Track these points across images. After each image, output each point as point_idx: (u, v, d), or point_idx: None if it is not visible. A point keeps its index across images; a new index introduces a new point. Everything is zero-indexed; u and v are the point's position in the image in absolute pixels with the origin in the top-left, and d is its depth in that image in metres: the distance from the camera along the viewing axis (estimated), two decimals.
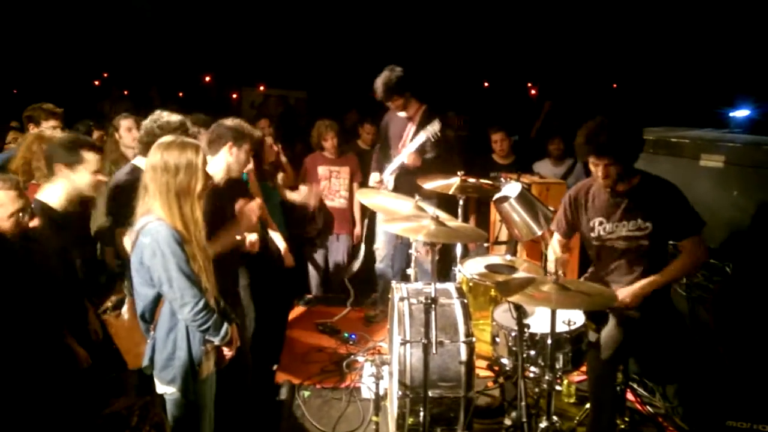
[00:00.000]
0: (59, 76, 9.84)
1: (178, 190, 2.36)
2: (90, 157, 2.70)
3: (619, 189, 2.87)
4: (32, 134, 3.37)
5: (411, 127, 4.42)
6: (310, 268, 5.19)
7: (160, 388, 2.50)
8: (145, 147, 2.98)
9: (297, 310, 4.96)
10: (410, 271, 3.81)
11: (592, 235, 2.99)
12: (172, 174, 2.36)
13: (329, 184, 5.09)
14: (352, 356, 4.00)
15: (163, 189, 2.35)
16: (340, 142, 5.13)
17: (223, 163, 3.05)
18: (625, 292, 2.83)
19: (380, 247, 4.67)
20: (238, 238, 2.99)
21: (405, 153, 4.30)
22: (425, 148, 4.30)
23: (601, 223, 2.96)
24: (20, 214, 2.33)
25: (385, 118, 4.69)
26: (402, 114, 4.47)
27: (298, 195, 4.61)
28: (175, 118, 3.05)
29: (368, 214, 4.92)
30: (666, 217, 2.82)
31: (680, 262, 2.86)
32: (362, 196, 3.69)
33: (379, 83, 4.31)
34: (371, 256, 4.83)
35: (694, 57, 8.51)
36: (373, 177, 4.65)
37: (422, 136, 4.19)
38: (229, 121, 3.11)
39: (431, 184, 3.88)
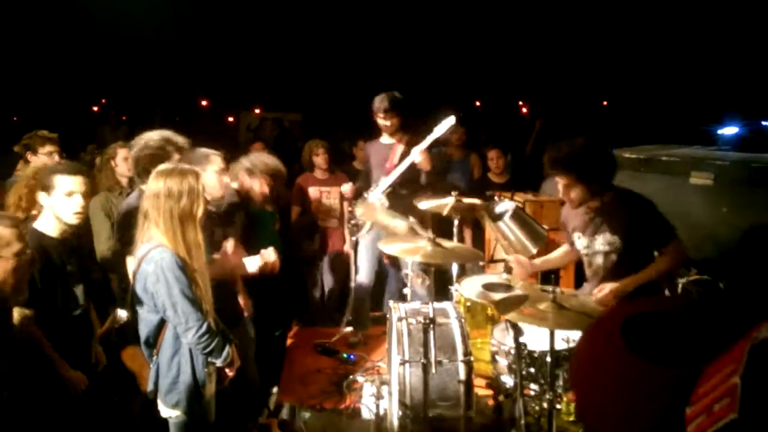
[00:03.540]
0: (58, 102, 9.93)
1: (182, 214, 2.44)
2: (61, 181, 2.61)
3: (591, 206, 2.99)
4: (34, 166, 3.42)
5: (398, 147, 4.42)
6: (309, 287, 5.23)
7: (165, 411, 2.53)
8: (141, 173, 3.05)
9: (295, 330, 4.97)
10: (407, 291, 3.84)
11: (576, 247, 3.12)
12: (175, 200, 2.43)
13: (320, 205, 5.15)
14: (352, 377, 4.01)
15: (167, 215, 2.42)
16: (331, 159, 5.19)
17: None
18: (607, 288, 2.87)
19: (363, 264, 4.67)
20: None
21: (415, 152, 4.13)
22: (432, 149, 4.24)
23: (579, 237, 3.11)
24: (22, 255, 2.20)
25: (366, 149, 4.71)
26: (385, 141, 4.49)
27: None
28: (154, 135, 3.11)
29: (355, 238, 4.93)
30: (636, 231, 2.90)
31: (660, 263, 2.94)
32: (362, 214, 3.73)
33: (383, 97, 4.32)
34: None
35: (683, 75, 8.69)
36: (346, 186, 4.70)
37: (435, 133, 4.10)
38: (198, 149, 3.21)
39: (426, 204, 3.93)
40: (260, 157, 3.92)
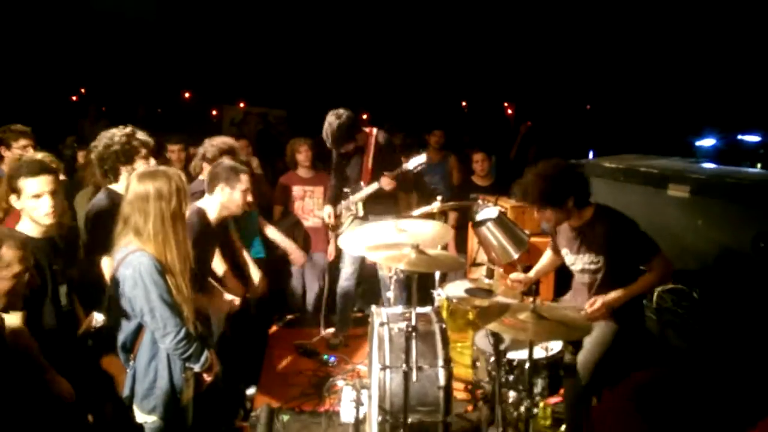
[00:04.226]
0: (35, 90, 9.73)
1: (172, 215, 2.43)
2: (27, 184, 2.52)
3: (573, 224, 3.06)
4: (14, 161, 3.34)
5: (369, 153, 4.51)
6: (289, 287, 5.21)
7: (140, 417, 2.51)
8: (108, 171, 3.03)
9: (275, 331, 4.96)
10: (389, 294, 3.86)
11: (565, 262, 3.16)
12: (166, 200, 2.42)
13: (303, 204, 5.14)
14: (332, 379, 4.01)
15: (158, 218, 2.40)
16: (315, 157, 5.18)
17: (217, 203, 3.18)
18: (599, 302, 2.92)
19: (346, 265, 4.72)
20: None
21: (383, 180, 4.36)
22: (400, 175, 4.39)
23: (566, 254, 3.17)
24: (22, 277, 2.15)
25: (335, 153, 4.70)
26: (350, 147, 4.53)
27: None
28: (117, 132, 3.07)
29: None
30: (617, 249, 2.96)
31: (646, 278, 2.98)
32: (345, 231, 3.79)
33: (330, 133, 4.31)
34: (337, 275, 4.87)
35: (665, 84, 8.83)
36: (327, 210, 4.72)
37: (405, 167, 4.31)
38: (226, 161, 3.25)
39: (415, 213, 3.98)
40: (211, 142, 3.94)
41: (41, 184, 2.53)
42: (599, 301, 2.93)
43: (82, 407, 2.62)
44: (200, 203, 3.23)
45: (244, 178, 3.18)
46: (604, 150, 4.76)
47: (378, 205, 4.46)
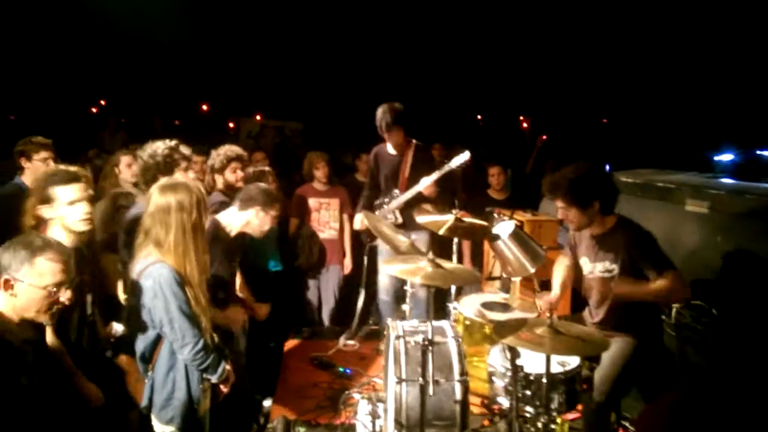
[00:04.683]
0: (57, 103, 9.93)
1: (193, 227, 2.48)
2: (61, 192, 2.59)
3: (594, 232, 3.06)
4: (41, 172, 3.40)
5: (408, 158, 4.50)
6: (305, 300, 5.23)
7: (158, 427, 2.53)
8: (149, 181, 3.08)
9: (291, 343, 4.97)
10: (405, 307, 3.86)
11: (583, 271, 3.17)
12: (188, 213, 2.47)
13: (319, 216, 5.17)
14: (348, 392, 4.01)
15: (179, 230, 2.45)
16: (331, 172, 5.23)
17: (244, 220, 3.29)
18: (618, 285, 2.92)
19: (384, 279, 4.71)
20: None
21: (423, 183, 4.28)
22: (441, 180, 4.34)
23: (585, 262, 3.17)
24: (56, 289, 2.12)
25: (373, 158, 4.73)
26: (392, 151, 4.56)
27: None
28: (160, 145, 3.17)
29: (367, 247, 4.95)
30: (631, 260, 2.94)
31: (658, 284, 2.88)
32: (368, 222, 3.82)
33: (384, 112, 4.37)
34: (369, 288, 4.86)
35: (683, 99, 8.77)
36: (359, 218, 4.68)
37: (448, 167, 4.24)
38: (262, 185, 3.41)
39: (424, 219, 3.95)
40: (216, 152, 4.02)
41: (76, 191, 2.61)
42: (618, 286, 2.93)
43: (109, 414, 2.65)
44: (222, 217, 3.29)
45: (278, 206, 3.33)
46: (621, 164, 4.74)
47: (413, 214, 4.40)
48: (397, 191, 4.55)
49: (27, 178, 3.81)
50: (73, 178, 2.65)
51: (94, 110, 11.66)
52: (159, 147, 3.18)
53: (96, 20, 8.94)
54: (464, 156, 4.19)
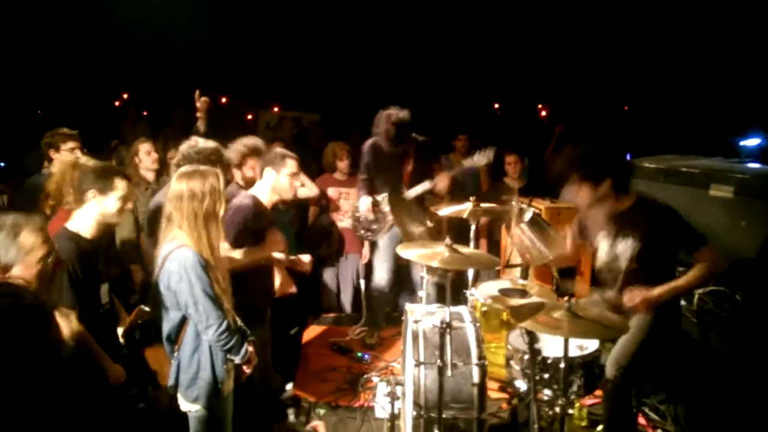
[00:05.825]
0: (81, 97, 10.11)
1: (206, 215, 2.50)
2: (121, 185, 2.79)
3: (612, 211, 3.01)
4: (67, 161, 3.50)
5: (410, 157, 4.55)
6: (324, 287, 5.29)
7: (185, 405, 2.60)
8: None
9: (311, 329, 5.04)
10: (422, 294, 3.89)
11: (598, 253, 3.13)
12: (198, 200, 2.50)
13: (339, 205, 5.21)
14: (366, 376, 4.06)
15: (191, 216, 2.49)
16: (352, 162, 5.26)
17: (268, 187, 3.27)
18: (637, 295, 2.83)
19: (378, 264, 4.76)
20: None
21: (441, 178, 4.41)
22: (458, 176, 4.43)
23: (603, 245, 3.11)
24: (47, 259, 2.19)
25: (370, 151, 4.66)
26: (386, 146, 4.53)
27: None
28: (211, 144, 3.24)
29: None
30: (655, 237, 2.89)
31: (693, 273, 2.86)
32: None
33: (388, 123, 4.36)
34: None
35: (706, 84, 8.59)
36: (366, 201, 4.66)
37: (471, 161, 4.31)
38: (278, 148, 3.37)
39: (444, 211, 3.98)
40: (233, 147, 4.05)
41: (129, 188, 2.81)
42: (637, 296, 2.85)
43: (132, 394, 2.73)
44: (252, 190, 3.33)
45: (290, 163, 3.25)
46: (643, 152, 4.67)
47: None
48: (403, 187, 4.56)
49: (55, 169, 3.90)
50: (126, 176, 2.89)
51: (117, 104, 11.83)
52: (208, 148, 3.20)
53: (117, 17, 9.08)
54: (485, 156, 4.26)
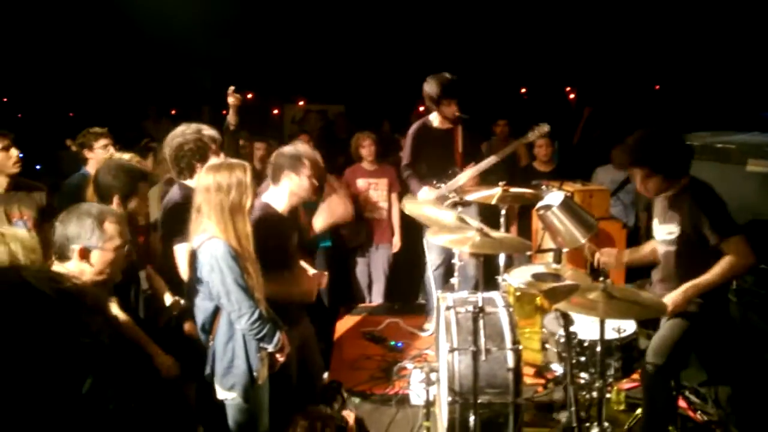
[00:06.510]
0: (112, 99, 10.36)
1: (232, 207, 2.54)
2: (143, 189, 2.92)
3: (669, 194, 2.94)
4: (102, 159, 3.55)
5: (458, 135, 4.34)
6: (354, 278, 5.32)
7: (221, 394, 2.66)
8: (184, 169, 3.14)
9: (343, 319, 5.08)
10: (454, 280, 3.87)
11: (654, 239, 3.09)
12: (225, 193, 2.54)
13: (368, 196, 5.20)
14: (400, 364, 4.07)
15: (218, 208, 2.53)
16: (378, 151, 5.23)
17: (286, 192, 3.10)
18: (668, 300, 2.80)
19: (433, 256, 4.53)
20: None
21: (504, 151, 4.29)
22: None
23: (656, 225, 3.06)
24: (123, 249, 2.34)
25: (415, 134, 4.48)
26: (438, 125, 4.40)
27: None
28: (187, 130, 3.17)
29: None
30: (692, 222, 2.82)
31: (721, 265, 2.78)
32: (409, 208, 3.77)
33: (435, 83, 4.21)
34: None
35: (739, 59, 8.31)
36: (425, 192, 4.33)
37: (525, 138, 4.23)
38: (287, 149, 3.18)
39: (473, 195, 3.94)
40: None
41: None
42: (680, 293, 2.81)
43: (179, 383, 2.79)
44: (265, 197, 3.15)
45: (308, 164, 3.09)
46: (676, 131, 4.54)
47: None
48: (456, 169, 4.33)
49: (91, 168, 3.98)
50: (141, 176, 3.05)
51: (138, 103, 12.09)
52: (186, 134, 3.12)
53: (140, 18, 9.23)
54: (543, 129, 4.15)
